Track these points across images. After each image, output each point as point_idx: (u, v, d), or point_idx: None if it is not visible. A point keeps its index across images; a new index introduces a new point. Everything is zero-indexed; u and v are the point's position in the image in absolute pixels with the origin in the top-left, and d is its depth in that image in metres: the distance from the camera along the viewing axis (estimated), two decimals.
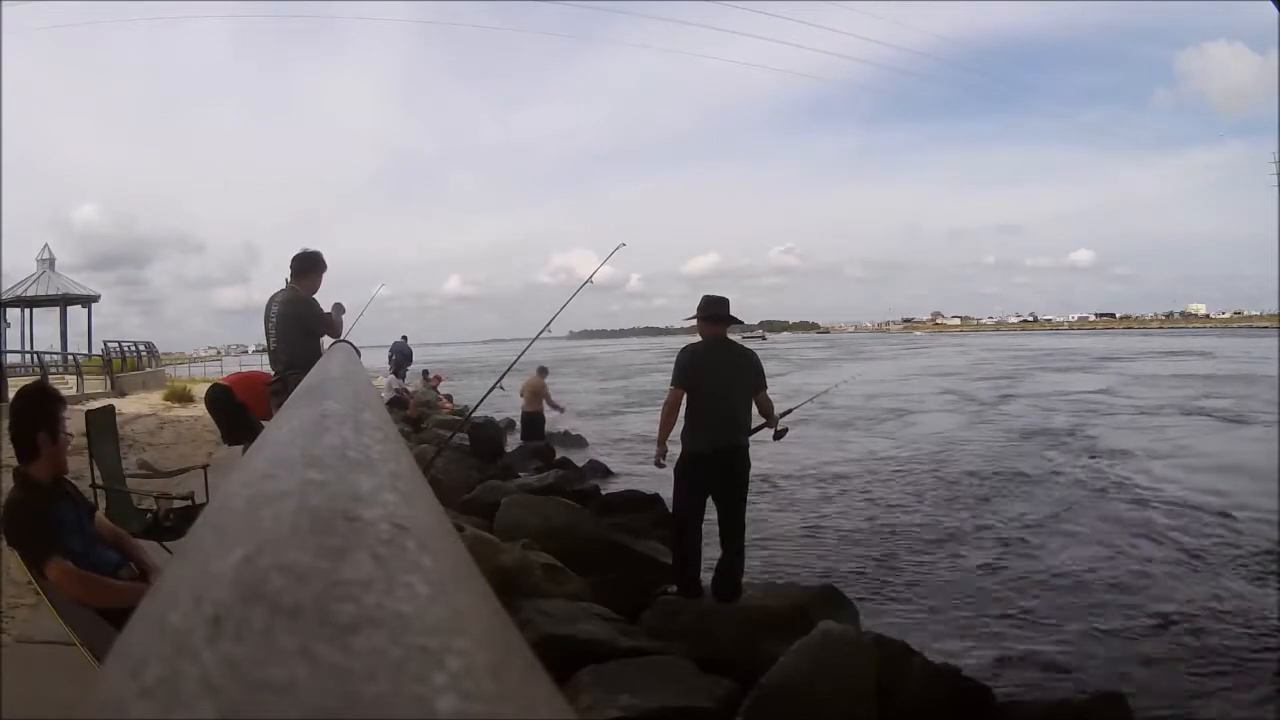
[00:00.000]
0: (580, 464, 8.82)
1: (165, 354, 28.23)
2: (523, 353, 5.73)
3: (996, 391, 19.06)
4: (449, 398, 15.96)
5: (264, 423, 3.57)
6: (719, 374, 3.81)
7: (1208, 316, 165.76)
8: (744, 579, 3.93)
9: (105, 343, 19.91)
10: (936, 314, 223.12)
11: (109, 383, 16.72)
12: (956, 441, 11.33)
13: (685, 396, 3.79)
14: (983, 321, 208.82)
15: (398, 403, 11.81)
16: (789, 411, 4.38)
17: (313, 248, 4.48)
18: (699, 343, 3.92)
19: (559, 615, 3.31)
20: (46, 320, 21.18)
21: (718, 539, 3.86)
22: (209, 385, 6.49)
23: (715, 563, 3.86)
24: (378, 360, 12.79)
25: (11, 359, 16.98)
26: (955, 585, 4.98)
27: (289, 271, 4.43)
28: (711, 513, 3.87)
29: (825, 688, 2.71)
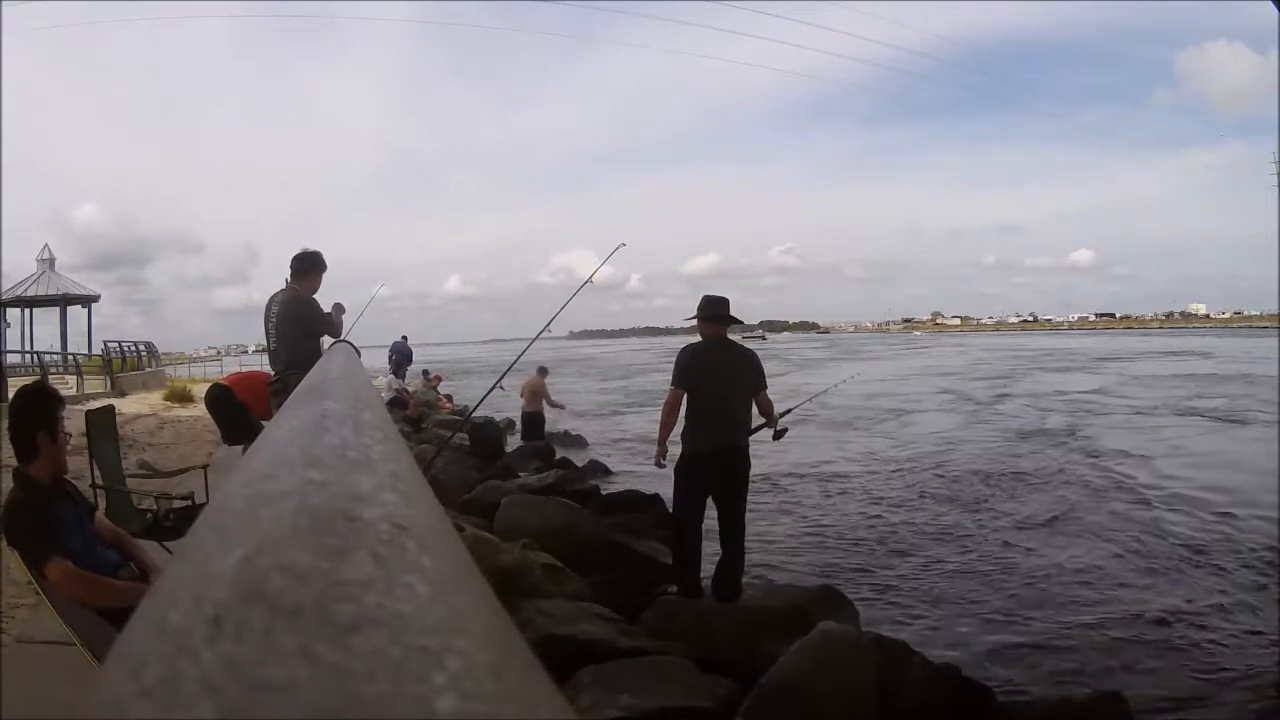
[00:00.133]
0: (580, 464, 8.82)
1: (165, 354, 28.24)
2: (523, 353, 5.73)
3: (995, 391, 19.07)
4: (449, 397, 15.96)
5: (264, 423, 3.57)
6: (719, 374, 3.81)
7: (1208, 316, 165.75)
8: (744, 579, 3.93)
9: (105, 343, 19.93)
10: (936, 314, 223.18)
11: (109, 383, 16.72)
12: (956, 441, 11.34)
13: (685, 396, 3.80)
14: (983, 321, 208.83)
15: (398, 403, 11.81)
16: (789, 411, 4.39)
17: (313, 248, 4.48)
18: (699, 343, 3.92)
19: (559, 615, 3.32)
20: (46, 320, 21.22)
21: (718, 539, 3.86)
22: (209, 385, 6.49)
23: (715, 563, 3.86)
24: (378, 360, 12.80)
25: (11, 359, 17.00)
26: (955, 585, 4.98)
27: (289, 271, 4.44)
28: (711, 512, 3.87)
29: (825, 688, 2.71)
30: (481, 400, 5.86)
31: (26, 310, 20.72)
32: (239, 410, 4.89)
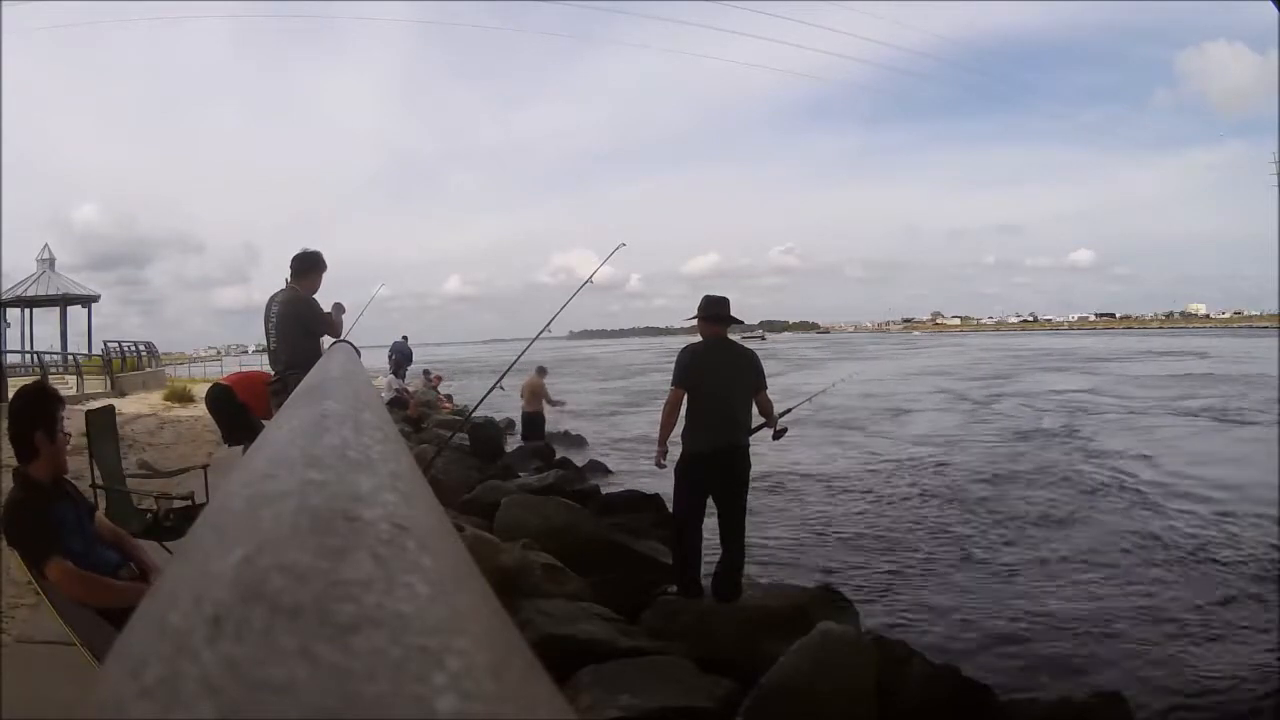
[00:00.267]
0: (580, 464, 8.82)
1: (165, 354, 28.24)
2: (523, 353, 5.73)
3: (992, 391, 19.10)
4: (449, 398, 15.97)
5: (264, 423, 3.57)
6: (719, 374, 3.81)
7: (1208, 316, 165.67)
8: (744, 579, 3.93)
9: (105, 343, 19.93)
10: (936, 314, 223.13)
11: (109, 383, 16.73)
12: (955, 441, 11.34)
13: (686, 396, 3.80)
14: (983, 321, 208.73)
15: (398, 403, 11.81)
16: (788, 411, 4.39)
17: (313, 248, 4.48)
18: (699, 343, 3.92)
19: (559, 615, 3.31)
20: (46, 320, 21.23)
21: (718, 539, 3.86)
22: (209, 385, 6.49)
23: (715, 563, 3.86)
24: (378, 360, 12.80)
25: (11, 359, 17.00)
26: (955, 585, 4.99)
27: (289, 271, 4.44)
28: (712, 512, 3.87)
29: (825, 688, 2.71)
30: (481, 400, 5.86)
31: (26, 310, 20.73)
32: (239, 410, 4.90)
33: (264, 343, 4.58)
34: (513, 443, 10.38)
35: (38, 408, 2.22)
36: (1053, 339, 71.27)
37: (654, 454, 4.06)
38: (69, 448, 2.32)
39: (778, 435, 4.14)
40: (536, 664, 0.27)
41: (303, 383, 1.44)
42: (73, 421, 2.52)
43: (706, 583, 3.86)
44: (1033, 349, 43.28)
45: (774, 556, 5.51)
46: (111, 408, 4.43)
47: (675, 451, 3.93)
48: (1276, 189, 47.71)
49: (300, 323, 4.28)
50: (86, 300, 21.85)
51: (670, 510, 4.16)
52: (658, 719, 2.67)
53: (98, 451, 3.80)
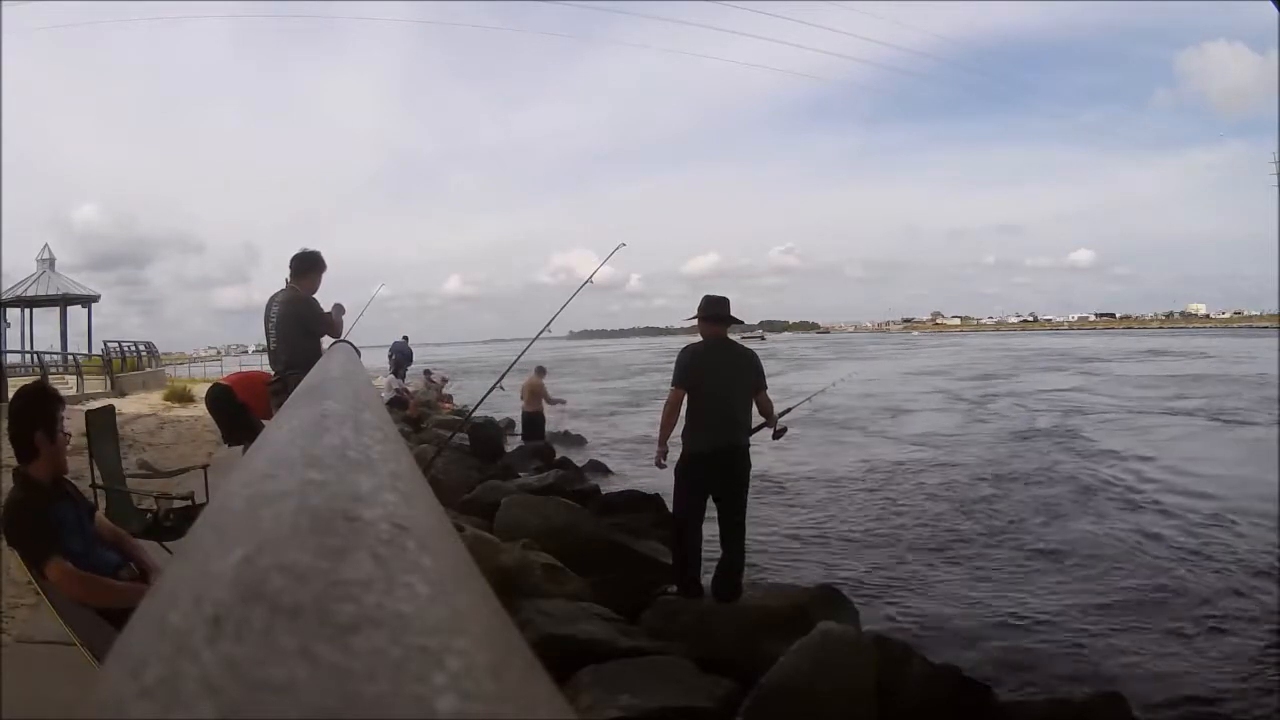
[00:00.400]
0: (580, 464, 8.82)
1: (165, 354, 28.24)
2: (523, 353, 5.73)
3: (991, 391, 19.16)
4: (449, 398, 15.97)
5: (264, 423, 3.57)
6: (719, 374, 3.81)
7: (1208, 316, 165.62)
8: (744, 579, 3.93)
9: (105, 343, 19.93)
10: (936, 314, 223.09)
11: (109, 383, 16.72)
12: (954, 441, 11.35)
13: (686, 396, 3.80)
14: (983, 321, 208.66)
15: (398, 403, 11.81)
16: (788, 410, 4.39)
17: (312, 248, 4.48)
18: (699, 343, 3.92)
19: (559, 615, 3.32)
20: (46, 320, 21.21)
21: (718, 539, 3.86)
22: (209, 385, 6.49)
23: (715, 563, 3.86)
24: (378, 360, 12.80)
25: (11, 359, 16.99)
26: (955, 585, 4.99)
27: (288, 271, 4.44)
28: (712, 513, 3.87)
29: (825, 688, 2.71)
30: (481, 400, 5.86)
31: (26, 310, 20.72)
32: (239, 410, 4.89)
33: (264, 343, 4.57)
34: (513, 443, 10.38)
35: (38, 408, 2.21)
36: (1052, 339, 71.25)
37: (654, 454, 4.06)
38: (69, 448, 2.32)
39: (778, 435, 4.14)
40: (536, 664, 0.27)
41: (303, 383, 1.44)
42: (73, 421, 2.52)
43: (706, 583, 3.86)
44: (1032, 349, 43.29)
45: (774, 556, 5.51)
46: (111, 408, 4.43)
47: (675, 452, 3.93)
48: (1276, 189, 47.74)
49: (300, 323, 4.28)
50: (86, 300, 21.85)
51: (670, 510, 4.16)
52: (658, 719, 2.67)
53: (98, 451, 3.80)
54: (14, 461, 2.19)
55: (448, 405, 14.74)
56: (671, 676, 2.94)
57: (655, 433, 4.06)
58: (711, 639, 3.36)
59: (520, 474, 7.39)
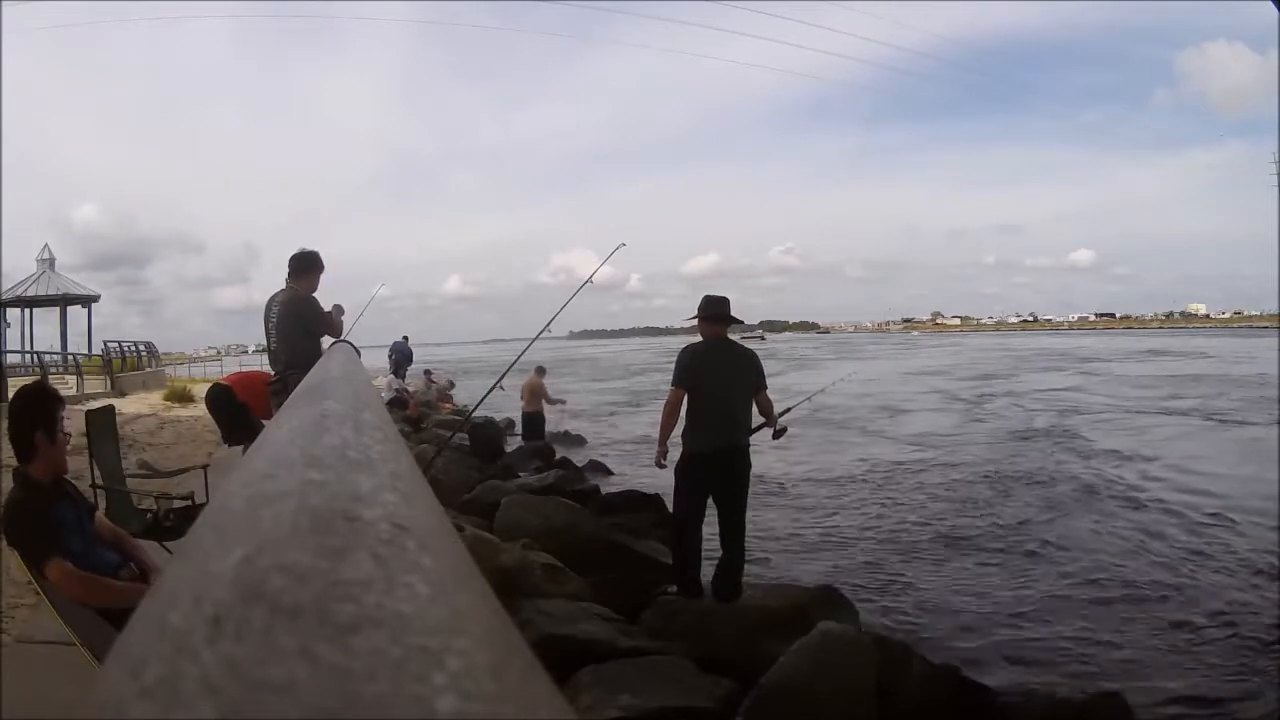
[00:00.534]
0: (580, 464, 8.82)
1: (165, 354, 28.24)
2: (523, 353, 5.74)
3: (990, 390, 19.21)
4: (451, 398, 15.98)
5: (264, 423, 3.57)
6: (719, 374, 3.81)
7: (1208, 316, 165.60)
8: (744, 579, 3.93)
9: (105, 343, 19.93)
10: (936, 314, 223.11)
11: (109, 383, 16.73)
12: (953, 441, 11.35)
13: (686, 396, 3.80)
14: (983, 321, 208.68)
15: (398, 403, 11.81)
16: (788, 410, 4.39)
17: (310, 248, 4.48)
18: (699, 343, 3.92)
19: (559, 615, 3.32)
20: (46, 320, 21.22)
21: (718, 539, 3.86)
22: (209, 385, 6.49)
23: (715, 563, 3.86)
24: (378, 360, 12.79)
25: (11, 359, 16.99)
26: (955, 585, 4.99)
27: (287, 271, 4.44)
28: (712, 513, 3.87)
29: (825, 688, 2.71)
30: (481, 400, 5.87)
31: (26, 310, 20.72)
32: (239, 410, 4.89)
33: (264, 343, 4.58)
34: (513, 443, 10.38)
35: (38, 408, 2.22)
36: (1052, 339, 71.27)
37: (654, 454, 4.07)
38: (69, 448, 2.32)
39: (778, 435, 4.14)
40: (536, 664, 0.27)
41: (303, 383, 1.44)
42: (73, 421, 2.52)
43: (706, 583, 3.86)
44: (1031, 349, 43.31)
45: (774, 556, 5.51)
46: (111, 408, 4.43)
47: (675, 452, 3.93)
48: (1276, 189, 47.74)
49: (300, 322, 4.28)
50: (86, 300, 21.85)
51: (670, 510, 4.16)
52: (658, 719, 2.67)
53: (98, 451, 3.80)
54: (14, 461, 2.19)
55: (448, 405, 14.74)
56: (671, 676, 2.94)
57: (655, 433, 4.06)
58: (711, 639, 3.36)
59: (520, 474, 7.40)
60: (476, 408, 6.49)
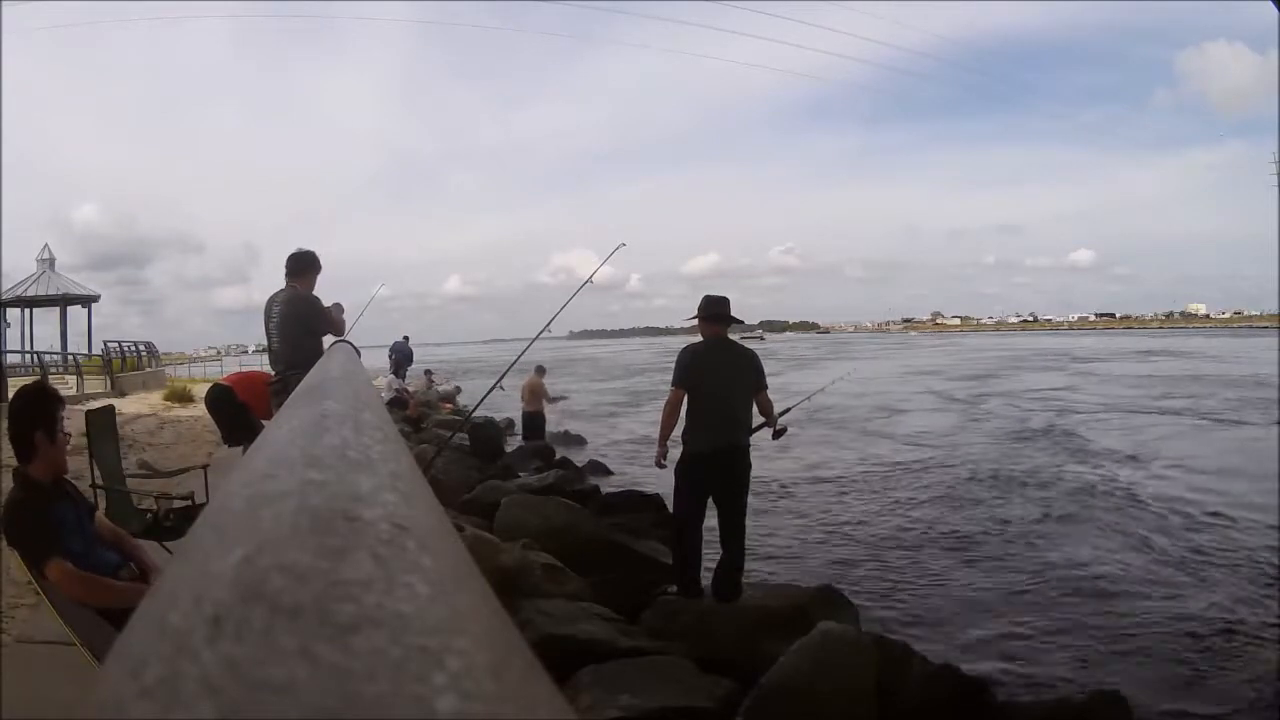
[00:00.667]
0: (580, 464, 8.82)
1: (165, 354, 28.23)
2: (523, 353, 5.74)
3: (986, 390, 19.25)
4: (449, 399, 15.96)
5: (264, 423, 3.57)
6: (719, 374, 3.81)
7: (1208, 316, 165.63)
8: (744, 579, 3.93)
9: (105, 343, 19.92)
10: (936, 314, 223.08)
11: (109, 383, 16.72)
12: (952, 441, 11.36)
13: (686, 396, 3.80)
14: (983, 321, 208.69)
15: (398, 403, 11.81)
16: (788, 410, 4.39)
17: (308, 248, 4.48)
18: (699, 343, 3.92)
19: (559, 615, 3.31)
20: (46, 320, 21.21)
21: (718, 539, 3.86)
22: (209, 385, 6.49)
23: (715, 563, 3.86)
24: (378, 360, 12.79)
25: (11, 359, 16.99)
26: (955, 585, 4.99)
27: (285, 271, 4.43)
28: (712, 513, 3.87)
29: (825, 688, 2.71)
30: (481, 400, 5.87)
31: (26, 310, 20.71)
32: (239, 410, 4.89)
33: (264, 343, 4.57)
34: (513, 443, 10.38)
35: (38, 408, 2.21)
36: (1052, 339, 71.28)
37: (654, 454, 4.06)
38: (69, 448, 2.32)
39: (777, 435, 4.14)
40: (536, 664, 0.27)
41: (303, 383, 1.44)
42: (73, 421, 2.52)
43: (706, 583, 3.86)
44: (1031, 349, 43.32)
45: (774, 556, 5.51)
46: (111, 408, 4.42)
47: (675, 452, 3.93)
48: (1276, 189, 47.71)
49: (301, 322, 4.27)
50: (86, 300, 21.84)
51: (670, 510, 4.16)
52: (658, 719, 2.67)
53: (98, 451, 3.80)
54: (14, 461, 2.19)
55: (448, 405, 14.73)
56: (671, 676, 2.94)
57: (655, 433, 4.06)
58: (711, 639, 3.36)
59: (520, 474, 7.39)
60: (476, 408, 6.49)
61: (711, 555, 3.90)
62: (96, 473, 3.72)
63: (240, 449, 4.15)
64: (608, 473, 8.77)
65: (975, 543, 5.96)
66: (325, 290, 4.46)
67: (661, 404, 3.97)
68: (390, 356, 13.86)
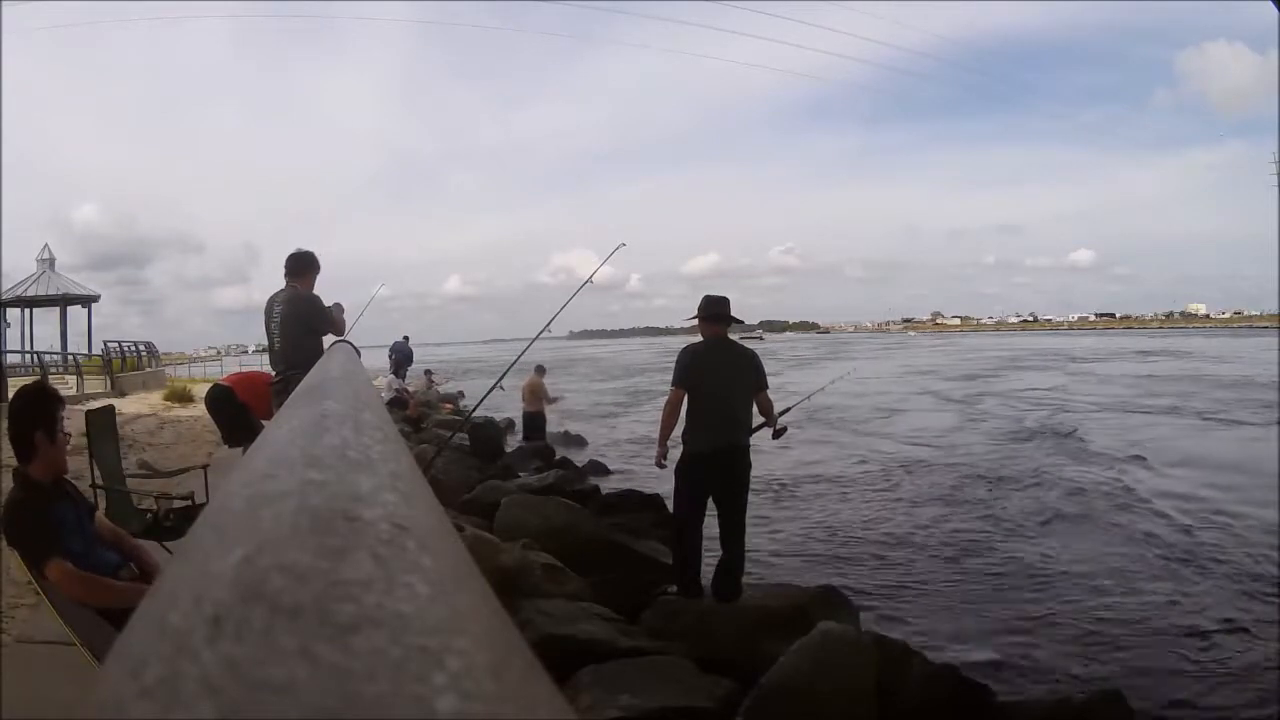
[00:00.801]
0: (580, 464, 8.82)
1: (165, 354, 28.23)
2: (523, 353, 5.73)
3: (984, 390, 19.25)
4: (449, 399, 15.96)
5: (264, 423, 3.57)
6: (720, 374, 3.81)
7: (1208, 316, 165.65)
8: (744, 579, 3.93)
9: (105, 343, 19.92)
10: (936, 314, 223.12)
11: (109, 383, 16.72)
12: (951, 441, 11.36)
13: (686, 396, 3.80)
14: (983, 321, 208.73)
15: (398, 403, 11.81)
16: (788, 410, 4.39)
17: (307, 248, 4.48)
18: (700, 343, 3.92)
19: (559, 615, 3.31)
20: (46, 320, 21.20)
21: (718, 539, 3.86)
22: (210, 386, 6.49)
23: (715, 563, 3.86)
24: (378, 360, 12.79)
25: (11, 359, 16.98)
26: (955, 585, 4.99)
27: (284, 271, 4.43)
28: (712, 512, 3.87)
29: (825, 688, 2.71)
30: (481, 400, 5.87)
31: (26, 310, 20.71)
32: (239, 411, 4.89)
33: (264, 343, 4.57)
34: (513, 443, 10.38)
35: (38, 408, 2.21)
36: (1052, 339, 71.27)
37: (654, 454, 4.06)
38: (69, 448, 2.32)
39: (777, 435, 4.14)
40: (536, 664, 0.27)
41: (303, 383, 1.44)
42: (73, 421, 2.52)
43: (706, 583, 3.86)
44: (1031, 349, 43.32)
45: (774, 556, 5.51)
46: (111, 408, 4.42)
47: (675, 452, 3.93)
48: (1276, 189, 47.73)
49: (302, 321, 4.27)
50: (86, 300, 21.84)
51: (670, 510, 4.16)
52: (658, 719, 2.67)
53: (98, 451, 3.80)
54: (14, 461, 2.19)
55: (448, 405, 14.73)
56: (671, 676, 2.94)
57: (655, 433, 4.06)
58: (711, 639, 3.36)
59: (520, 474, 7.39)
60: (476, 408, 6.49)
61: (711, 555, 3.90)
62: (96, 473, 3.72)
63: (240, 449, 4.15)
64: (608, 473, 8.77)
65: (975, 542, 5.96)
66: (325, 290, 4.46)
67: (661, 404, 3.97)
68: (390, 356, 13.86)
